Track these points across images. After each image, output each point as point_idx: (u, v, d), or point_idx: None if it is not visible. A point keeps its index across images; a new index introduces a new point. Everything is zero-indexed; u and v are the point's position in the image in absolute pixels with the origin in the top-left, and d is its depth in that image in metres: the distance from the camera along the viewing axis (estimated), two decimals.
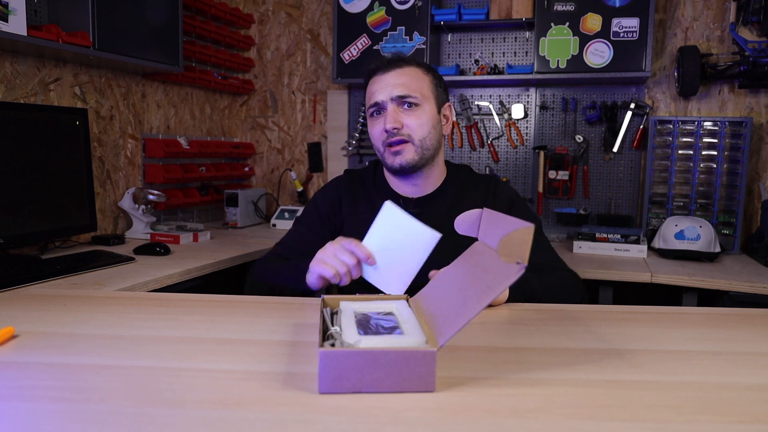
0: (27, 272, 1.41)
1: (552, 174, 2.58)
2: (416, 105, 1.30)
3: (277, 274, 1.29)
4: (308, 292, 1.18)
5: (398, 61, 1.34)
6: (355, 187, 1.42)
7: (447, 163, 1.45)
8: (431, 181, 1.38)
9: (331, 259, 1.07)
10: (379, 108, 1.32)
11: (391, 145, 1.30)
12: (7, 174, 1.60)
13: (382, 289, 1.05)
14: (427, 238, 1.01)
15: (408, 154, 1.30)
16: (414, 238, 1.02)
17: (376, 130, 1.32)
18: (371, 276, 1.07)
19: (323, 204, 1.43)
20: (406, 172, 1.33)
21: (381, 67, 1.34)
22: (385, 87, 1.31)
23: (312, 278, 1.13)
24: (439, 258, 1.29)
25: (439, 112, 1.36)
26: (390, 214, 1.04)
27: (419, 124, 1.30)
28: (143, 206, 2.13)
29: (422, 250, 1.02)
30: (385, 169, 1.42)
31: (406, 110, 1.30)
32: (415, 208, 1.35)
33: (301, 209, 2.51)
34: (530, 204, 2.64)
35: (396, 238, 1.04)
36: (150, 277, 1.53)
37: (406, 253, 1.03)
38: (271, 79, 3.01)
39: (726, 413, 0.64)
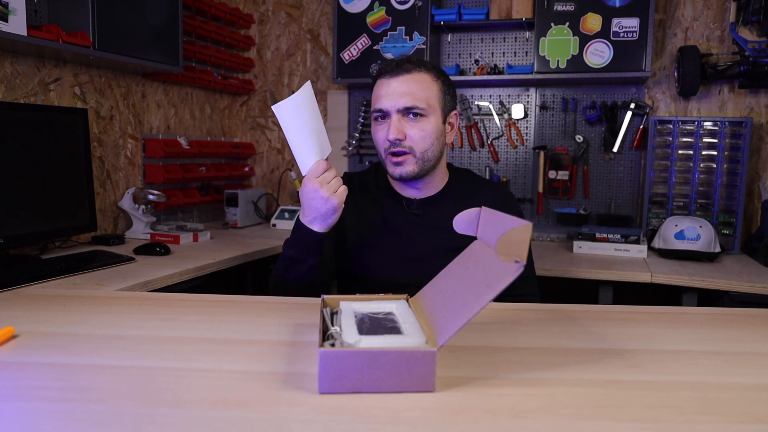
0: (27, 272, 1.41)
1: (552, 174, 2.58)
2: (422, 116, 1.26)
3: (284, 265, 1.25)
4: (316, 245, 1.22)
5: (407, 64, 1.27)
6: (355, 190, 1.38)
7: (449, 165, 1.43)
8: (433, 185, 1.37)
9: (328, 190, 1.14)
10: (384, 114, 1.27)
11: (393, 154, 1.27)
12: (7, 174, 1.60)
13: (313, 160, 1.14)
14: (288, 108, 1.11)
15: (408, 166, 1.27)
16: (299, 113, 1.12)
17: (380, 136, 1.29)
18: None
19: None
20: (405, 181, 1.32)
21: (388, 70, 1.28)
22: (391, 94, 1.25)
23: (325, 216, 1.18)
24: (444, 261, 1.30)
25: (444, 121, 1.32)
26: (284, 112, 1.11)
27: (422, 136, 1.26)
28: (143, 206, 2.13)
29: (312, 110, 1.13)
30: None
31: (410, 120, 1.26)
32: (418, 209, 1.35)
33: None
34: (530, 204, 2.65)
35: (301, 124, 1.12)
36: (150, 277, 1.53)
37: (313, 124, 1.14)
38: (271, 79, 3.01)
39: (726, 413, 0.64)
